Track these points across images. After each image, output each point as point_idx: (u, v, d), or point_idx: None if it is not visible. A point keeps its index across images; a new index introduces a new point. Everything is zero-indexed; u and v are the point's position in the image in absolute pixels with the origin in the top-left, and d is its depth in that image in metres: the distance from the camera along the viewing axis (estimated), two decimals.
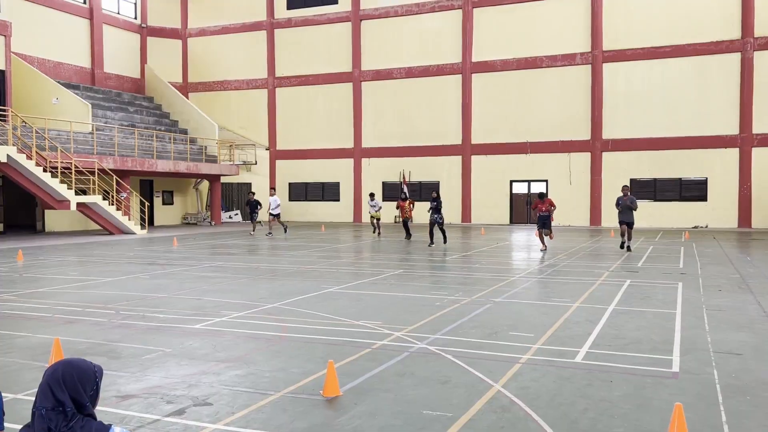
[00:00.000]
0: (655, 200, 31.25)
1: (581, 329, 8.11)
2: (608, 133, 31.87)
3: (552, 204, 18.93)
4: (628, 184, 31.71)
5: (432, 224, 20.53)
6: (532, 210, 19.24)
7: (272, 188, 27.47)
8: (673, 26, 30.59)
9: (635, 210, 18.10)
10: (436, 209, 20.37)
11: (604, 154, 31.99)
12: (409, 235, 23.21)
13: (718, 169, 30.16)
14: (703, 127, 30.30)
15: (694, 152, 30.48)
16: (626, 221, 18.08)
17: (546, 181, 33.11)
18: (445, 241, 20.51)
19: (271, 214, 25.50)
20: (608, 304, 9.86)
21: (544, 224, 18.79)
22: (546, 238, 19.10)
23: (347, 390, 5.63)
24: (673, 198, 31.01)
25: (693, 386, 5.75)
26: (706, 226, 30.17)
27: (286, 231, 25.78)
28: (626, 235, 18.14)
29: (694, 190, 30.73)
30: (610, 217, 31.59)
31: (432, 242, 20.44)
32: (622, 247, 18.37)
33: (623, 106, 31.62)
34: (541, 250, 18.54)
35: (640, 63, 31.26)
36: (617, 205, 18.30)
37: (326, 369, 5.68)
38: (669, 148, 30.85)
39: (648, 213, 31.20)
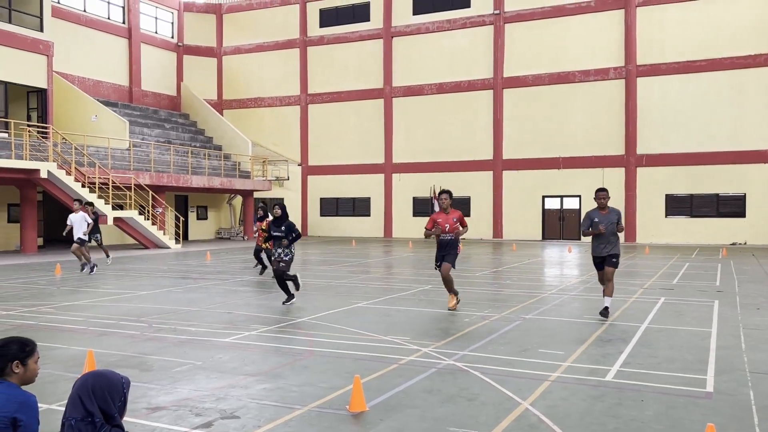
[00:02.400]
0: (692, 216, 30.68)
1: (613, 347, 7.98)
2: (643, 148, 31.47)
3: (462, 221, 10.65)
4: (665, 200, 31.35)
5: (277, 269, 11.30)
6: (425, 231, 10.79)
7: (76, 200, 18.35)
8: (709, 40, 30.18)
9: (621, 231, 10.17)
10: (288, 236, 11.28)
11: (639, 170, 31.57)
12: (263, 267, 16.50)
13: (757, 184, 29.51)
14: (741, 142, 29.72)
15: (731, 167, 29.89)
16: (608, 255, 10.02)
17: (579, 196, 32.77)
18: (297, 287, 11.61)
19: (78, 240, 17.02)
20: (641, 322, 9.69)
21: (445, 255, 10.59)
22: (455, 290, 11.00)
23: (373, 405, 5.62)
24: (710, 214, 30.41)
25: (727, 407, 5.61)
26: (745, 243, 29.47)
27: (91, 270, 16.80)
28: (607, 281, 10.06)
29: (731, 206, 30.09)
30: (645, 233, 31.13)
31: (290, 297, 11.42)
32: (605, 314, 9.88)
33: (658, 121, 31.20)
34: (450, 309, 10.63)
35: (675, 77, 30.87)
36: (588, 227, 10.14)
37: (352, 384, 5.69)
38: (705, 163, 30.31)
39: (684, 229, 30.65)
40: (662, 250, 26.42)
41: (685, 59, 30.66)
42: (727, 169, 29.99)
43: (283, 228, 11.33)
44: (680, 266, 18.90)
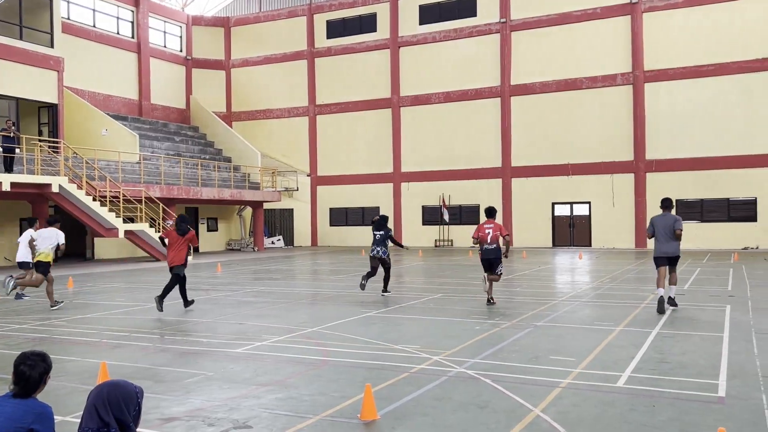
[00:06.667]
0: (702, 221, 30.52)
1: (624, 353, 7.96)
2: (652, 153, 31.39)
3: (502, 230, 12.53)
4: (674, 205, 31.22)
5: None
6: (473, 241, 12.71)
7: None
8: (716, 44, 30.14)
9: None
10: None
11: (648, 175, 31.48)
12: None
13: None
14: (751, 146, 29.59)
15: (742, 171, 29.75)
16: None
17: (589, 203, 32.70)
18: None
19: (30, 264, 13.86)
20: (653, 328, 9.66)
21: (491, 264, 12.43)
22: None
23: (385, 414, 5.64)
24: (720, 219, 30.26)
25: (740, 411, 5.59)
26: (757, 248, 29.28)
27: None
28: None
29: (742, 210, 29.93)
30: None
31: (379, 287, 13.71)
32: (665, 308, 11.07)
33: (667, 126, 31.13)
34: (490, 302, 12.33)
35: (683, 82, 30.83)
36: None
37: (363, 393, 5.71)
38: (715, 168, 30.19)
39: (695, 234, 30.44)
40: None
41: (692, 64, 30.61)
42: (738, 173, 29.85)
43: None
44: (691, 271, 18.80)
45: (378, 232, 14.23)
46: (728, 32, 29.97)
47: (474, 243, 12.61)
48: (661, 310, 10.97)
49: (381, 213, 37.09)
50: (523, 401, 5.96)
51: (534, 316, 10.93)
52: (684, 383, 6.52)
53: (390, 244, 14.34)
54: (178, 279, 12.06)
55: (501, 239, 12.47)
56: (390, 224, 18.32)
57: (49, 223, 13.61)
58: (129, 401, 3.16)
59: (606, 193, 32.31)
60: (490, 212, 12.74)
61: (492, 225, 12.46)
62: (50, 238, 13.15)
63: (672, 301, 11.33)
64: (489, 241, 12.37)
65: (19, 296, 14.04)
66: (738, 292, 13.97)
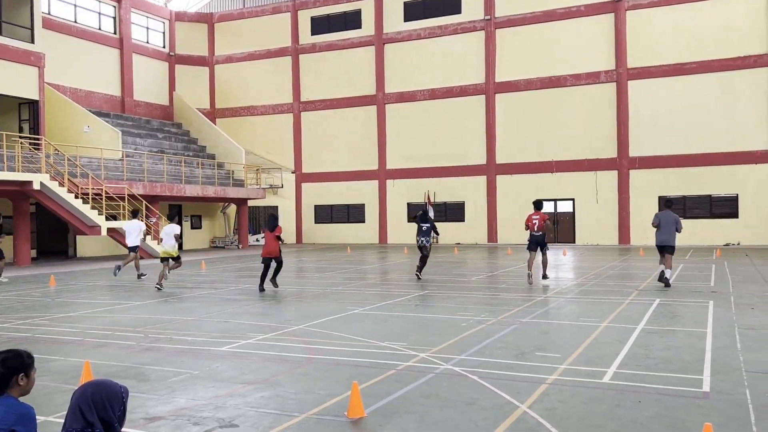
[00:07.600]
0: (685, 218, 30.71)
1: (610, 349, 8.00)
2: (635, 150, 31.59)
3: (546, 219, 15.62)
4: (657, 201, 31.53)
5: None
6: (525, 227, 15.65)
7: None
8: (699, 42, 30.37)
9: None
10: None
11: (632, 172, 31.69)
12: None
13: (750, 185, 29.65)
14: (733, 143, 29.88)
15: (724, 168, 30.03)
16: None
17: (573, 200, 32.86)
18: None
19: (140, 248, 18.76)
20: (637, 324, 9.72)
21: (540, 245, 15.48)
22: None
23: (372, 411, 5.62)
24: (703, 215, 30.52)
25: (725, 407, 5.64)
26: (738, 244, 29.59)
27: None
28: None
29: (724, 207, 30.23)
30: (638, 235, 31.23)
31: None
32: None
33: (650, 124, 31.35)
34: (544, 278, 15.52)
35: (666, 80, 31.04)
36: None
37: (350, 390, 5.69)
38: (698, 165, 30.44)
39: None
40: (656, 251, 26.45)
41: (674, 62, 30.84)
42: (720, 170, 30.13)
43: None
44: (675, 267, 18.93)
45: (425, 224, 16.75)
46: (710, 30, 30.21)
47: (526, 229, 15.44)
48: (661, 279, 14.12)
49: (366, 210, 37.23)
50: (510, 398, 5.96)
51: (519, 313, 10.96)
52: (669, 379, 6.57)
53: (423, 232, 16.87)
54: (277, 265, 14.80)
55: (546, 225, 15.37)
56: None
57: (170, 219, 16.50)
58: (114, 401, 3.11)
59: (590, 190, 32.50)
60: (538, 205, 15.54)
61: (538, 216, 15.24)
62: (170, 234, 15.94)
63: (666, 281, 13.96)
64: (536, 229, 15.22)
65: (140, 276, 17.74)
66: (720, 287, 14.10)
